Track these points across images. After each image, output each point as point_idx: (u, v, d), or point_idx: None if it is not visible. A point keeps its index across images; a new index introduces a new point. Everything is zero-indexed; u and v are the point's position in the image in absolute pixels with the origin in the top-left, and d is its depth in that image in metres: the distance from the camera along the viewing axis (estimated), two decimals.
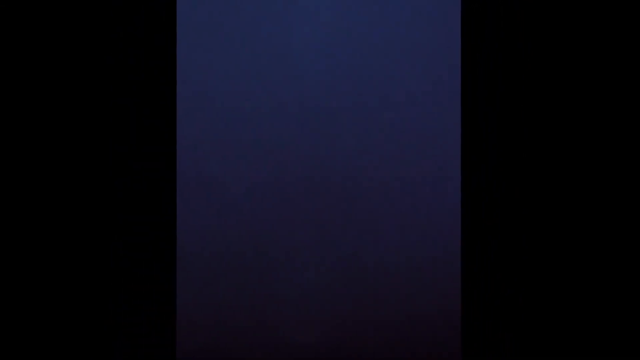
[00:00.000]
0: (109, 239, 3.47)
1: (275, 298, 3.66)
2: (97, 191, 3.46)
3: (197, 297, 3.67)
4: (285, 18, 3.67)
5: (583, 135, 3.50)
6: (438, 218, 3.68)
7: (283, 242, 3.66)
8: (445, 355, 3.68)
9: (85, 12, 3.39)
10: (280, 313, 3.66)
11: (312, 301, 3.66)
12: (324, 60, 3.68)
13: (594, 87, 3.49)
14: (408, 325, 3.66)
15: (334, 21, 3.68)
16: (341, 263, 3.66)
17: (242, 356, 3.66)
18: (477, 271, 3.50)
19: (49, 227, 3.43)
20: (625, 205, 3.48)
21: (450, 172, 3.69)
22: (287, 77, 3.67)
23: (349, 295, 3.66)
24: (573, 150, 3.49)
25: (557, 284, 3.49)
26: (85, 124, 3.44)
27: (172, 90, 3.46)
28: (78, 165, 3.43)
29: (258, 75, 3.67)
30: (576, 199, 3.49)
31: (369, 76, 3.68)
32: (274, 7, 3.67)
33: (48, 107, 3.42)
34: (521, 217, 3.49)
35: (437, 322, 3.68)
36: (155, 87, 3.47)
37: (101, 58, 3.43)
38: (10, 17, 3.29)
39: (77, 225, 3.45)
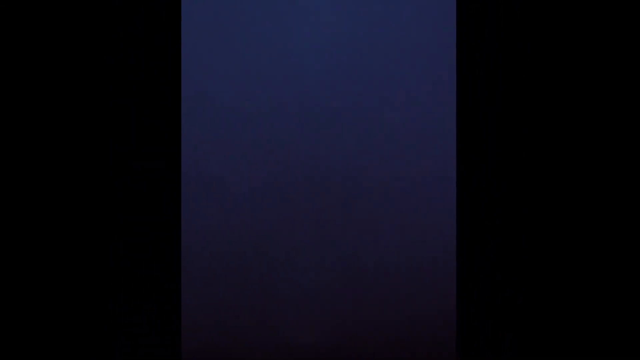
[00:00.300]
0: (109, 239, 3.48)
1: (275, 298, 3.67)
2: (97, 191, 3.47)
3: (197, 297, 3.68)
4: (286, 18, 3.68)
5: (583, 135, 3.50)
6: (438, 218, 3.69)
7: (284, 242, 3.67)
8: (445, 356, 3.68)
9: (86, 12, 3.40)
10: (281, 313, 3.67)
11: (313, 301, 3.66)
12: (324, 61, 3.68)
13: (593, 86, 3.50)
14: (408, 325, 3.66)
15: (334, 21, 3.68)
16: (342, 263, 3.66)
17: (242, 356, 3.67)
18: (477, 271, 3.51)
19: (48, 227, 3.44)
20: (624, 205, 3.48)
21: (451, 172, 3.70)
22: (288, 77, 3.68)
23: (350, 296, 3.67)
24: (573, 150, 3.50)
25: (557, 284, 3.49)
26: (85, 124, 3.44)
27: (174, 91, 3.47)
28: (78, 165, 3.44)
29: (258, 75, 3.67)
30: (576, 198, 3.50)
31: (369, 76, 3.69)
32: (274, 8, 3.68)
33: (48, 107, 3.43)
34: (521, 217, 3.49)
35: (437, 322, 3.68)
36: (156, 87, 3.47)
37: (101, 58, 3.44)
38: (10, 16, 3.30)
39: (77, 225, 3.45)
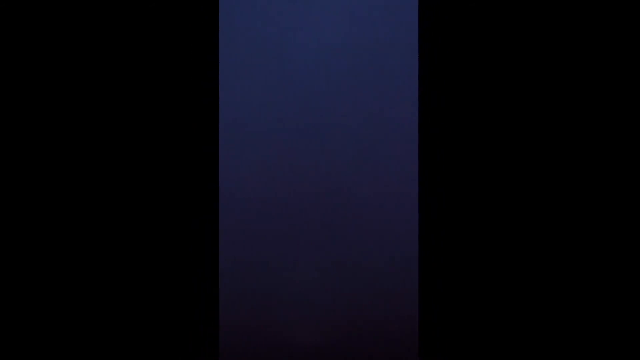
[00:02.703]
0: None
1: (276, 299, 3.65)
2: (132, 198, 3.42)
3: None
4: (286, 27, 3.64)
5: (547, 141, 3.44)
6: None
7: (285, 243, 3.65)
8: None
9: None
10: (281, 314, 3.65)
11: (315, 302, 3.65)
12: (322, 70, 3.65)
13: (565, 92, 3.45)
14: (408, 324, 3.64)
15: (336, 27, 3.67)
16: (341, 265, 3.64)
17: (242, 356, 3.65)
18: (435, 273, 3.47)
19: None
20: (594, 212, 3.45)
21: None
22: (290, 92, 3.66)
23: (352, 297, 3.65)
24: (540, 155, 3.44)
25: (526, 285, 3.45)
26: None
27: (213, 100, 3.41)
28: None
29: (257, 86, 3.65)
30: (542, 201, 3.44)
31: (364, 83, 3.65)
32: (276, 18, 3.64)
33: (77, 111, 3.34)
34: (484, 221, 3.45)
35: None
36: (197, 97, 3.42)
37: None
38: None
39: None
